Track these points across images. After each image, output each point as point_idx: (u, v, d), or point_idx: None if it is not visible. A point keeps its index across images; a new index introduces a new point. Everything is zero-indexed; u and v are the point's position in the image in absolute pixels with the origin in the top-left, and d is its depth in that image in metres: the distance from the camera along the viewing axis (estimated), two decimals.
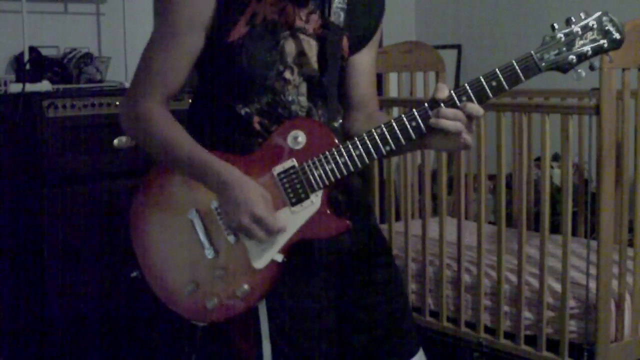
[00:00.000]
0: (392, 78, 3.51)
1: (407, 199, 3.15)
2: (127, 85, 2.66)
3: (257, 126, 1.68)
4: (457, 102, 1.58)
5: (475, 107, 1.57)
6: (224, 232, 1.66)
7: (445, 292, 2.89)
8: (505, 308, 2.71)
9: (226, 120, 1.70)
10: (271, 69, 1.68)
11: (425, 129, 1.60)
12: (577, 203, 3.12)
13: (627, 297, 2.54)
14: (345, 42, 1.75)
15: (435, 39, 4.46)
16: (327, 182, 1.63)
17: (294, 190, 1.63)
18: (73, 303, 2.98)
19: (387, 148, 1.61)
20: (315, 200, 1.64)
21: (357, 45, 1.80)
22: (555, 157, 3.51)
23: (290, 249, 1.65)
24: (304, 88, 1.72)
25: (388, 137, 1.61)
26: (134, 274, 1.76)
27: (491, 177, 3.38)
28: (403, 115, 1.61)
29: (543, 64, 1.57)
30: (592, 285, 2.47)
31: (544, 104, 2.94)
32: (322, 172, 1.62)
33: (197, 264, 1.68)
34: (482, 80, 1.57)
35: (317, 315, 1.75)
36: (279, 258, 1.65)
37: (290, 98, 1.70)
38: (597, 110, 2.39)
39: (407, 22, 4.80)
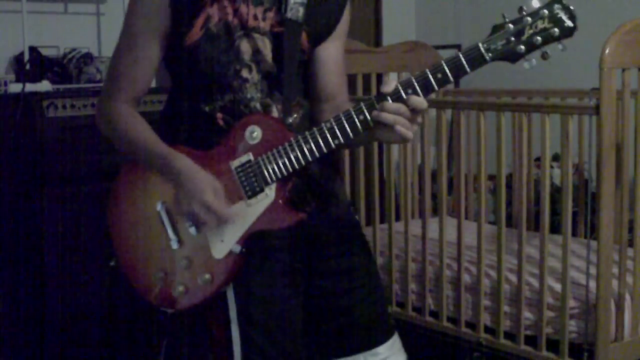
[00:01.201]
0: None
1: (407, 199, 3.15)
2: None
3: (220, 122, 1.77)
4: (403, 94, 1.61)
5: (418, 100, 1.61)
6: (186, 225, 1.75)
7: (445, 292, 2.89)
8: (505, 308, 2.71)
9: (192, 117, 1.79)
10: (229, 68, 1.76)
11: (372, 123, 1.64)
12: (577, 203, 3.12)
13: (627, 297, 2.54)
14: (304, 35, 1.80)
15: (435, 39, 4.46)
16: (279, 175, 1.70)
17: (250, 183, 1.71)
18: (73, 303, 2.98)
19: (337, 142, 1.67)
20: (269, 193, 1.71)
21: (319, 38, 1.84)
22: (555, 157, 3.51)
23: (248, 240, 1.73)
24: (262, 85, 1.79)
25: (337, 131, 1.66)
26: (111, 263, 1.85)
27: (491, 177, 3.38)
28: (351, 110, 1.65)
29: (490, 54, 1.58)
30: (592, 285, 2.47)
31: (544, 104, 2.94)
32: (275, 165, 1.70)
33: (164, 254, 1.78)
34: (428, 72, 1.60)
35: (283, 300, 1.81)
36: (237, 249, 1.73)
37: (249, 95, 1.78)
38: (597, 110, 2.39)
39: (407, 22, 4.81)
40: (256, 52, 1.78)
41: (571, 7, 1.55)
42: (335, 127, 1.66)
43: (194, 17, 1.74)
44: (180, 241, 1.77)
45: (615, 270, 2.50)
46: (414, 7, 4.85)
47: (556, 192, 3.22)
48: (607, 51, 2.35)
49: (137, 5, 1.77)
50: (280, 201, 1.72)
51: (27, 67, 3.15)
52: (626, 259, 2.54)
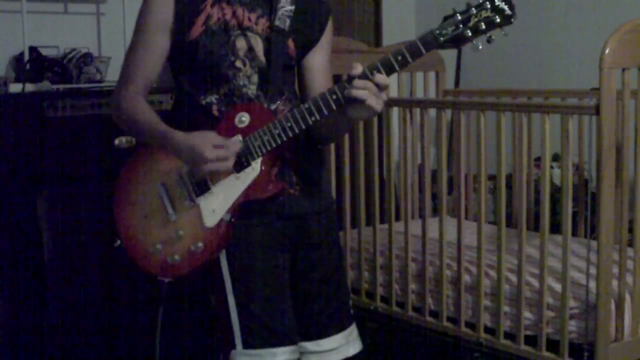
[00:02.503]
0: (392, 78, 3.51)
1: (407, 199, 3.15)
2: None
3: (216, 113, 2.02)
4: (369, 75, 1.84)
5: (382, 77, 1.84)
6: (183, 198, 1.99)
7: (445, 292, 2.89)
8: (505, 308, 2.71)
9: (191, 111, 2.04)
10: (224, 60, 2.01)
11: (344, 100, 1.86)
12: (577, 203, 3.12)
13: (627, 297, 2.54)
14: (290, 43, 2.07)
15: None
16: (264, 151, 1.94)
17: (238, 159, 1.93)
18: (73, 303, 2.98)
19: (313, 118, 1.89)
20: (255, 167, 1.95)
21: (305, 47, 2.11)
22: (555, 157, 3.51)
23: (237, 210, 1.96)
24: (254, 78, 2.04)
25: (313, 109, 1.89)
26: (117, 244, 2.07)
27: (491, 177, 3.38)
28: (325, 92, 1.88)
29: (441, 38, 1.81)
30: (592, 285, 2.47)
31: (544, 104, 2.94)
32: (260, 142, 1.93)
33: (162, 227, 2.02)
34: (390, 56, 1.84)
35: (274, 270, 2.04)
36: (227, 217, 1.96)
37: (242, 83, 2.03)
38: (597, 110, 2.39)
39: (407, 22, 4.81)
40: (250, 49, 2.03)
41: (511, 0, 1.79)
42: (312, 106, 1.89)
43: (195, 15, 2.00)
44: (177, 214, 2.00)
45: (615, 270, 2.50)
46: (414, 7, 4.85)
47: (556, 192, 3.22)
48: (607, 51, 2.36)
49: (147, 4, 2.02)
50: (264, 173, 1.96)
51: (27, 67, 3.15)
52: (626, 259, 2.54)
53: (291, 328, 2.05)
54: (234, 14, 2.02)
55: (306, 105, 1.89)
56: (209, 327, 2.13)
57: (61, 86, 3.17)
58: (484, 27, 1.79)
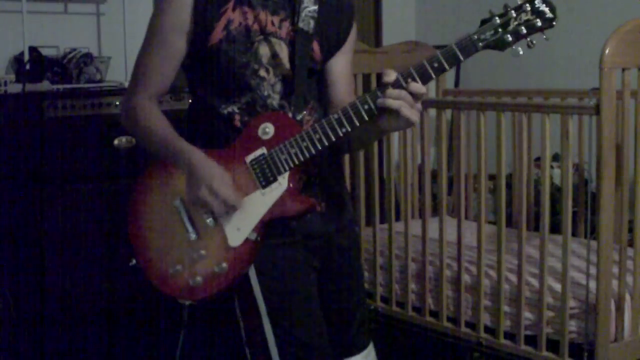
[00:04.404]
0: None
1: (407, 199, 3.15)
2: (127, 85, 2.73)
3: (238, 124, 1.89)
4: (403, 83, 1.73)
5: (417, 86, 1.73)
6: (204, 217, 1.85)
7: (445, 292, 2.89)
8: (505, 308, 2.71)
9: (211, 121, 1.91)
10: (247, 68, 1.88)
11: (376, 110, 1.75)
12: (577, 203, 3.12)
13: (627, 297, 2.54)
14: (316, 46, 1.95)
15: (435, 39, 4.46)
16: (292, 165, 1.82)
17: (264, 174, 1.83)
18: (73, 302, 2.98)
19: (344, 130, 1.77)
20: (282, 182, 1.83)
21: (330, 50, 1.99)
22: (555, 157, 3.51)
23: (263, 228, 1.84)
24: (279, 87, 1.92)
25: (343, 120, 1.77)
26: (132, 263, 1.94)
27: (491, 177, 3.38)
28: (356, 100, 1.77)
29: (480, 43, 1.71)
30: (592, 285, 2.47)
31: (544, 104, 2.94)
32: (287, 156, 1.81)
33: (182, 247, 1.88)
34: (425, 63, 1.74)
35: (307, 291, 1.94)
36: (253, 236, 1.83)
37: (266, 93, 1.90)
38: (597, 110, 2.39)
39: (407, 22, 4.81)
40: (274, 55, 1.90)
41: (551, 1, 1.70)
42: (342, 117, 1.77)
43: (216, 19, 1.86)
44: (197, 233, 1.86)
45: (615, 270, 2.50)
46: (414, 7, 4.85)
47: (556, 192, 3.22)
48: (607, 51, 2.35)
49: (164, 4, 1.88)
50: (292, 189, 1.83)
51: (27, 67, 3.15)
52: (626, 259, 2.54)
53: (329, 349, 1.96)
54: (256, 18, 1.88)
55: (336, 116, 1.77)
56: (236, 352, 2.04)
57: (61, 86, 3.17)
58: (524, 31, 1.69)
